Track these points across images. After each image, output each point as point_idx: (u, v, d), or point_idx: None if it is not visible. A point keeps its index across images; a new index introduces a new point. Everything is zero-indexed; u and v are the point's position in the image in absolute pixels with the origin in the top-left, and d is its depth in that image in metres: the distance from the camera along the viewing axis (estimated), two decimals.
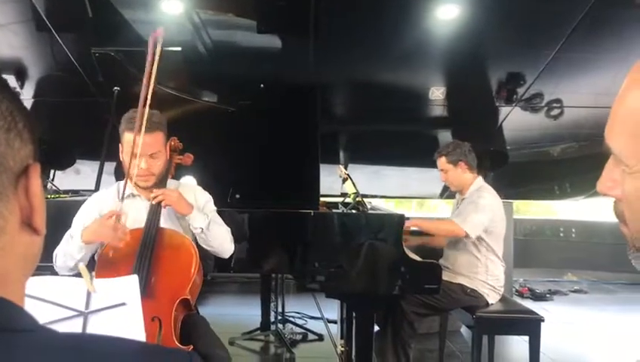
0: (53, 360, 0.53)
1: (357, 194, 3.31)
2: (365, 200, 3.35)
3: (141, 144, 2.11)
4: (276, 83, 3.79)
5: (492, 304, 3.22)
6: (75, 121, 4.60)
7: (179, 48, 3.55)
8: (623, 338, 4.60)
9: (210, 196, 2.45)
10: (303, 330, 4.47)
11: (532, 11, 3.61)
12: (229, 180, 3.16)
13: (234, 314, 5.05)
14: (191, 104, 3.56)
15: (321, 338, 4.33)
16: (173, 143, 2.41)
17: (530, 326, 3.11)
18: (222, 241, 2.32)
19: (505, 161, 5.22)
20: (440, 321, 3.70)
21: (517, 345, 4.13)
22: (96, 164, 3.24)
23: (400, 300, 3.09)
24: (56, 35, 3.80)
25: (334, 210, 3.33)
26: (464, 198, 3.34)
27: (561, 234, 8.08)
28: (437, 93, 4.48)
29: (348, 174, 3.40)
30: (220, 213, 2.43)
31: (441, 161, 3.37)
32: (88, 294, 1.70)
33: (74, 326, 1.63)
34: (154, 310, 1.96)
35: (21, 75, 4.28)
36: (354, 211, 3.21)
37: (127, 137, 2.18)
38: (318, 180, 3.25)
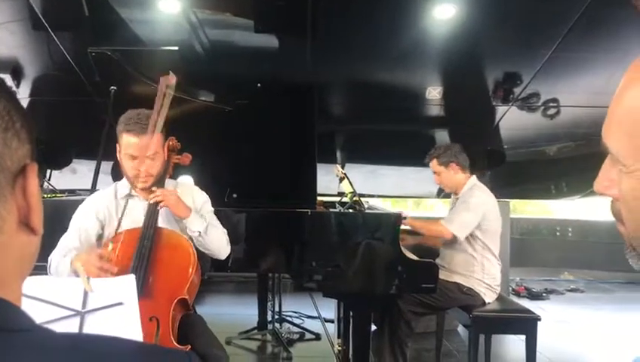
0: (51, 360, 0.53)
1: (354, 193, 3.32)
2: (362, 199, 3.35)
3: (139, 145, 2.13)
4: (273, 82, 3.79)
5: (489, 303, 3.23)
6: (72, 121, 4.59)
7: (176, 47, 3.55)
8: (619, 337, 4.61)
9: (208, 197, 2.45)
10: (300, 330, 4.47)
11: (529, 11, 3.62)
12: (226, 179, 3.16)
13: (231, 314, 5.04)
14: (188, 103, 3.55)
15: (318, 337, 4.33)
16: (171, 143, 2.41)
17: (527, 325, 3.12)
18: (219, 245, 2.32)
19: (501, 160, 5.23)
20: (437, 320, 3.70)
21: (513, 344, 4.14)
22: (92, 164, 3.23)
23: (397, 299, 3.09)
24: (53, 34, 3.79)
25: (331, 210, 3.33)
26: (458, 198, 3.37)
27: (558, 234, 8.10)
28: (434, 92, 4.49)
29: (345, 173, 3.40)
30: (217, 212, 2.43)
31: (433, 164, 3.41)
32: (85, 293, 1.69)
33: (71, 326, 1.63)
34: (152, 310, 1.95)
35: (17, 74, 4.26)
36: (351, 210, 3.21)
37: (124, 138, 2.18)
38: (315, 180, 3.25)
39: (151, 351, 0.63)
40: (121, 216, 2.17)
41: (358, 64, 4.24)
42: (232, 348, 4.02)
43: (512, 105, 4.56)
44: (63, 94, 4.42)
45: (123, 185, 2.35)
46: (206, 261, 2.51)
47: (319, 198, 3.49)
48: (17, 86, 4.31)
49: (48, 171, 4.43)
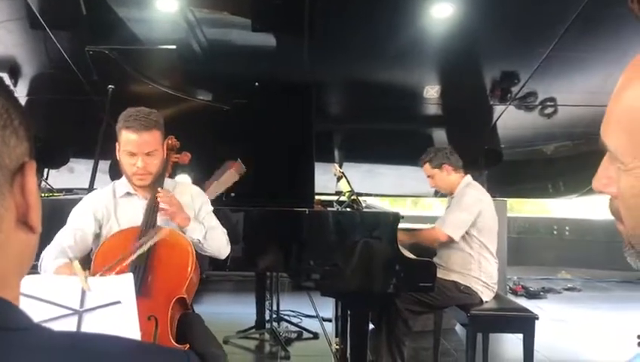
0: (48, 359, 0.53)
1: (352, 192, 3.32)
2: (360, 198, 3.35)
3: (137, 142, 2.14)
4: (271, 81, 3.79)
5: (486, 301, 3.24)
6: (70, 120, 4.59)
7: (174, 46, 3.54)
8: (616, 336, 4.62)
9: (207, 197, 2.45)
10: (297, 329, 4.47)
11: (526, 10, 3.62)
12: None
13: (229, 313, 5.04)
14: (185, 102, 3.55)
15: (316, 336, 4.34)
16: (170, 142, 2.41)
17: (524, 324, 3.12)
18: (219, 247, 2.32)
19: (499, 159, 5.23)
20: (434, 319, 3.70)
21: (511, 342, 4.15)
22: (90, 163, 3.22)
23: (395, 298, 3.10)
24: (51, 33, 3.77)
25: (329, 209, 3.33)
26: (452, 198, 3.39)
27: (555, 232, 8.12)
28: (431, 91, 4.49)
29: (343, 172, 3.40)
30: (215, 211, 2.43)
31: (426, 168, 3.44)
32: (83, 292, 1.69)
33: (68, 325, 1.63)
34: (150, 309, 1.95)
35: (15, 73, 4.25)
36: (349, 209, 3.22)
37: (123, 135, 2.18)
38: (313, 178, 3.25)
39: (149, 350, 0.63)
40: (120, 214, 2.18)
41: (356, 63, 4.24)
42: (230, 347, 4.02)
43: (510, 104, 4.56)
44: (60, 93, 4.41)
45: (122, 183, 2.35)
46: (204, 260, 2.51)
47: (317, 197, 3.50)
48: (15, 85, 4.30)
49: (46, 170, 4.42)
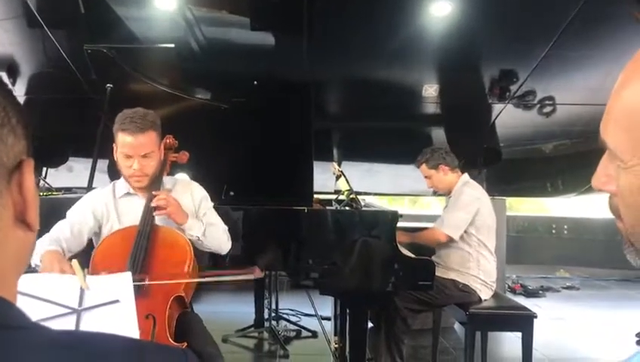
0: (47, 358, 0.53)
1: (350, 191, 3.32)
2: (359, 197, 3.35)
3: (133, 144, 2.14)
4: (270, 80, 3.79)
5: (485, 300, 3.24)
6: (68, 119, 4.57)
7: (172, 45, 3.54)
8: (614, 334, 4.63)
9: (207, 193, 2.45)
10: (296, 327, 4.48)
11: (525, 8, 3.62)
12: (222, 177, 3.16)
13: (227, 311, 5.04)
14: (184, 101, 3.54)
15: (314, 335, 4.34)
16: (168, 141, 2.41)
17: (523, 322, 3.13)
18: (219, 242, 2.32)
19: (498, 158, 5.23)
20: (433, 317, 3.71)
21: (510, 341, 4.15)
22: (89, 162, 3.22)
23: (394, 296, 3.10)
24: (49, 32, 3.77)
25: (328, 207, 3.33)
26: (450, 197, 3.39)
27: (554, 231, 8.14)
28: (430, 90, 4.48)
29: (341, 171, 3.40)
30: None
31: (423, 169, 3.44)
32: (81, 291, 1.69)
33: (67, 324, 1.63)
34: (148, 307, 1.95)
35: (12, 71, 4.24)
36: (347, 208, 3.22)
37: (120, 137, 2.17)
38: (312, 177, 3.25)
39: (148, 348, 0.63)
40: (121, 214, 2.17)
41: (355, 61, 4.24)
42: (229, 346, 4.03)
43: (508, 103, 4.56)
44: (58, 92, 4.40)
45: (121, 183, 2.35)
46: (203, 257, 2.51)
47: (316, 196, 3.49)
48: (13, 84, 4.29)
49: (45, 169, 4.42)
